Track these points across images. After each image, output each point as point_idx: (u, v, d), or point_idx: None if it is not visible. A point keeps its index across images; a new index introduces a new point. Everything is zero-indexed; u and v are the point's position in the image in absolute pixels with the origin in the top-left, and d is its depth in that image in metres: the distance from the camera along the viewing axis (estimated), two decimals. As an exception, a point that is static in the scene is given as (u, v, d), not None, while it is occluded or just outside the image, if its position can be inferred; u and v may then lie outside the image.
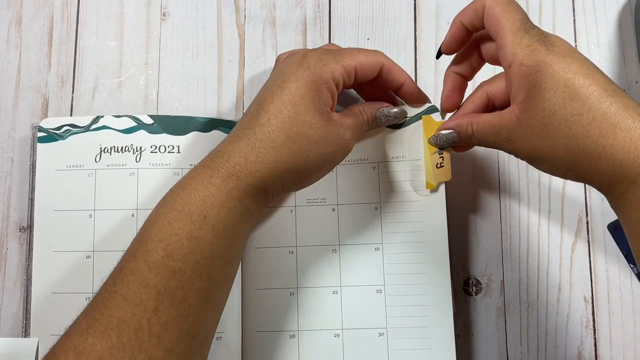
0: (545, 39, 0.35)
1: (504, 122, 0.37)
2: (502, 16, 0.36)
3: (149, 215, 0.37)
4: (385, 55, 0.42)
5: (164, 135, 0.47)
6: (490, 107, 0.41)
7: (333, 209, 0.46)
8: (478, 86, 0.42)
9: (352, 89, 0.46)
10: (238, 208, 0.36)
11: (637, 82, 0.50)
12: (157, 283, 0.33)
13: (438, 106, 0.45)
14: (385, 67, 0.41)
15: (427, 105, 0.45)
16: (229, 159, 0.37)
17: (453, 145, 0.42)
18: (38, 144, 0.47)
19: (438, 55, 0.42)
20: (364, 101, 0.46)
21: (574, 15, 0.51)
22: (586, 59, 0.35)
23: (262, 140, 0.37)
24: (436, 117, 0.44)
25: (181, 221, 0.35)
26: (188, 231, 0.35)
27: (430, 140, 0.43)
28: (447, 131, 0.42)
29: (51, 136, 0.47)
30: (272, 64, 0.51)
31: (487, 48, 0.40)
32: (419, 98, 0.44)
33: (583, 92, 0.34)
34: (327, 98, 0.38)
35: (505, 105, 0.39)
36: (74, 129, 0.47)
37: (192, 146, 0.47)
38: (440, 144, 0.43)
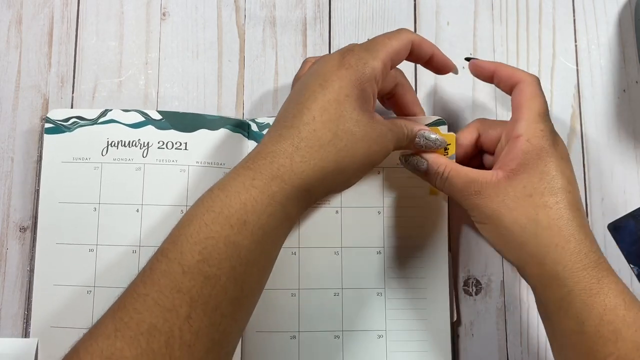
0: (554, 134, 0.39)
1: (481, 178, 0.39)
2: (531, 96, 0.40)
3: (184, 214, 0.35)
4: (410, 31, 0.41)
5: (172, 131, 0.47)
6: (475, 146, 0.44)
7: (336, 212, 0.46)
8: (473, 122, 0.44)
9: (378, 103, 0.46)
10: (279, 213, 0.35)
11: (637, 82, 0.50)
12: (191, 289, 0.32)
13: (446, 119, 0.46)
14: (415, 43, 0.40)
15: (434, 117, 0.46)
16: (273, 160, 0.35)
17: (416, 172, 0.42)
18: (45, 135, 0.47)
19: (467, 59, 0.44)
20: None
21: (574, 15, 0.51)
22: (573, 172, 0.39)
23: (308, 139, 0.35)
24: (443, 129, 0.45)
25: (219, 224, 0.33)
26: (226, 235, 0.33)
27: (400, 158, 0.43)
28: (420, 159, 0.42)
29: (58, 128, 0.47)
30: (272, 63, 0.51)
31: (487, 136, 0.43)
32: (448, 65, 0.43)
33: (561, 194, 0.37)
34: (369, 97, 0.38)
35: (489, 150, 0.43)
36: (82, 121, 0.47)
37: (199, 144, 0.47)
38: (407, 167, 0.43)
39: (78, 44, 0.51)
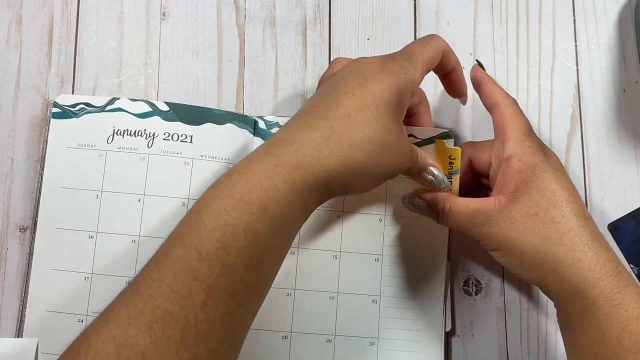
0: (544, 148, 0.39)
1: (484, 207, 0.39)
2: (512, 117, 0.40)
3: (200, 198, 0.34)
4: (441, 38, 0.40)
5: (179, 123, 0.47)
6: (469, 171, 0.44)
7: (338, 215, 0.46)
8: (461, 146, 0.44)
9: None
10: (298, 203, 0.34)
11: (637, 82, 0.50)
12: (208, 276, 0.31)
13: (452, 132, 0.46)
14: (446, 52, 0.40)
15: (441, 130, 0.46)
16: (299, 148, 0.34)
17: (419, 212, 0.43)
18: (52, 119, 0.47)
19: (477, 61, 0.44)
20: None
21: (574, 15, 0.51)
22: (571, 181, 0.39)
23: (339, 134, 0.34)
24: (449, 143, 0.45)
25: (239, 211, 0.32)
26: (246, 223, 0.32)
27: (402, 199, 0.43)
28: (420, 199, 0.42)
29: (66, 113, 0.47)
30: (272, 63, 0.51)
31: (478, 160, 0.43)
32: (463, 86, 0.44)
33: (565, 206, 0.37)
34: (404, 108, 0.38)
35: (483, 174, 0.43)
36: (89, 107, 0.47)
37: (205, 137, 0.47)
38: (409, 208, 0.43)
39: (78, 44, 0.51)
